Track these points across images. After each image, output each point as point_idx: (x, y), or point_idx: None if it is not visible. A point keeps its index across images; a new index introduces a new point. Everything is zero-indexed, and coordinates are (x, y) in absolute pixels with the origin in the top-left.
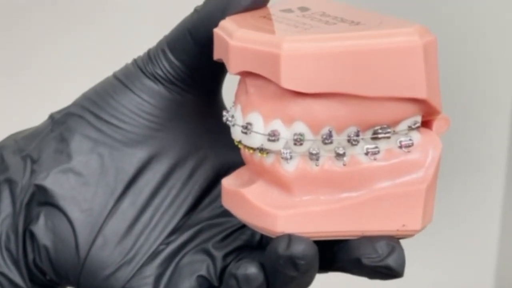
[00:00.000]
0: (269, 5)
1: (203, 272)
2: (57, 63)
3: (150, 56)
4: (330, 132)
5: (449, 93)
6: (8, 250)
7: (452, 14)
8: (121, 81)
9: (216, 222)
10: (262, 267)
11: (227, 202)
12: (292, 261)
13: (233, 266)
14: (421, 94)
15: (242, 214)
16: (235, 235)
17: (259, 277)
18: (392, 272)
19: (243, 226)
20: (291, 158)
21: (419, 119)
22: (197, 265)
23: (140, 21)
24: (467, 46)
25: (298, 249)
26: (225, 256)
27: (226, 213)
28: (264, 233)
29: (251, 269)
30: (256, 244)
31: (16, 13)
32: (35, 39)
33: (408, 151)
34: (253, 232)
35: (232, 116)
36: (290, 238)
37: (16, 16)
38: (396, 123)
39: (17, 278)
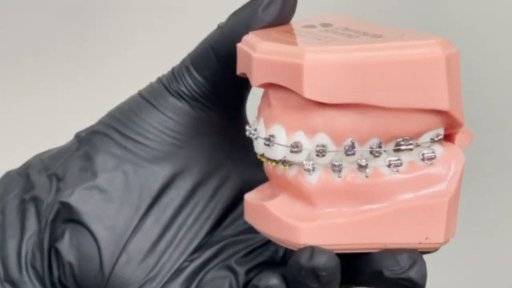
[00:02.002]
0: (291, 22)
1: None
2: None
3: (174, 74)
4: (353, 143)
5: (471, 105)
6: (34, 267)
7: (472, 26)
8: (146, 98)
9: (240, 239)
10: (284, 278)
11: (250, 217)
12: (314, 272)
13: (256, 278)
14: (444, 105)
15: (265, 228)
16: (258, 251)
17: None
18: (414, 285)
19: (266, 243)
20: (313, 169)
21: (441, 131)
22: (220, 281)
23: (162, 39)
24: (488, 58)
25: (320, 260)
26: (248, 272)
27: (250, 230)
28: (287, 246)
29: (273, 280)
30: (279, 260)
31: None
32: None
33: (431, 164)
34: (277, 248)
35: (255, 130)
36: (313, 249)
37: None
38: (419, 135)
39: None
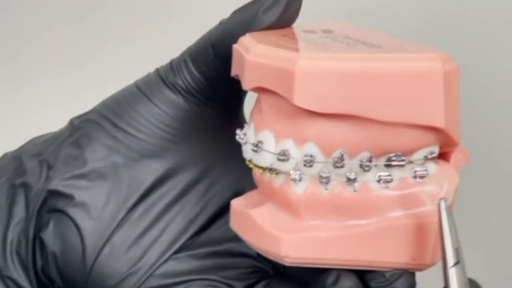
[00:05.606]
0: (293, 25)
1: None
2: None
3: (173, 66)
4: (342, 155)
5: (468, 124)
6: (19, 255)
7: (472, 44)
8: (141, 90)
9: (233, 263)
10: None
11: (235, 224)
12: None
13: None
14: (439, 122)
15: (249, 237)
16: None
17: None
18: None
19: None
20: (300, 180)
21: (436, 149)
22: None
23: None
24: (488, 76)
25: (345, 285)
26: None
27: (237, 237)
28: (269, 256)
29: None
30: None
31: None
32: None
33: (423, 182)
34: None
35: (245, 134)
36: (339, 273)
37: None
38: (412, 151)
39: (25, 284)
